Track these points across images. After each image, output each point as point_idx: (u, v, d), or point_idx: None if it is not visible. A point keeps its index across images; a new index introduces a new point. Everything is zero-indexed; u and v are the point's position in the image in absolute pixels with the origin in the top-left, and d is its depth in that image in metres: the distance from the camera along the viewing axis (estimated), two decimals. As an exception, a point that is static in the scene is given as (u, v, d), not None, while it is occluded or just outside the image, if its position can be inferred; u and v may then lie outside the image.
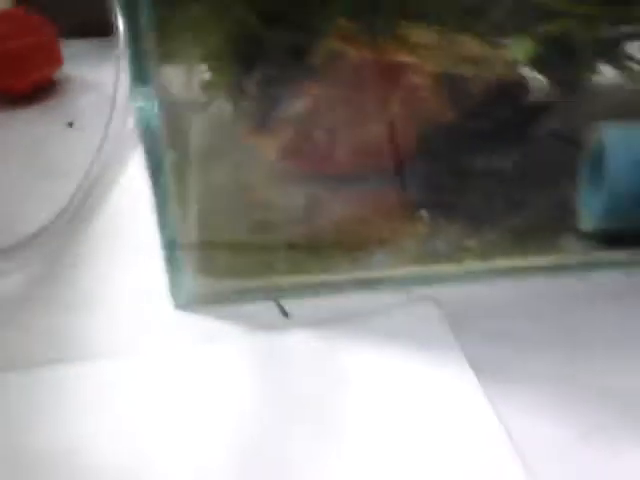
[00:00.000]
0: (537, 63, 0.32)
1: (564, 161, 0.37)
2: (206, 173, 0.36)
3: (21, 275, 0.35)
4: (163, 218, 0.30)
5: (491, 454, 0.26)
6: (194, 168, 0.36)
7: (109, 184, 0.42)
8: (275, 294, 0.33)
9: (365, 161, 0.36)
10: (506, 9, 0.30)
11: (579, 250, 0.35)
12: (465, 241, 0.35)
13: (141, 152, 0.29)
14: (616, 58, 0.34)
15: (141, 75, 0.26)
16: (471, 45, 0.32)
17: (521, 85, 0.36)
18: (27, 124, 0.49)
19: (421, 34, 0.32)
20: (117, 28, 0.42)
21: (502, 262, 0.35)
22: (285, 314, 0.32)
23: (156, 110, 0.27)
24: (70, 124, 0.49)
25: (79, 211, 0.39)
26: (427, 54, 0.33)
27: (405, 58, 0.33)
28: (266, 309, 0.32)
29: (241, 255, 0.34)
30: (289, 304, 0.32)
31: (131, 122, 0.43)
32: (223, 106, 0.36)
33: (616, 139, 0.33)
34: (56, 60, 0.55)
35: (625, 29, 0.33)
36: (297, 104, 0.35)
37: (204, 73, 0.35)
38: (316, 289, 0.33)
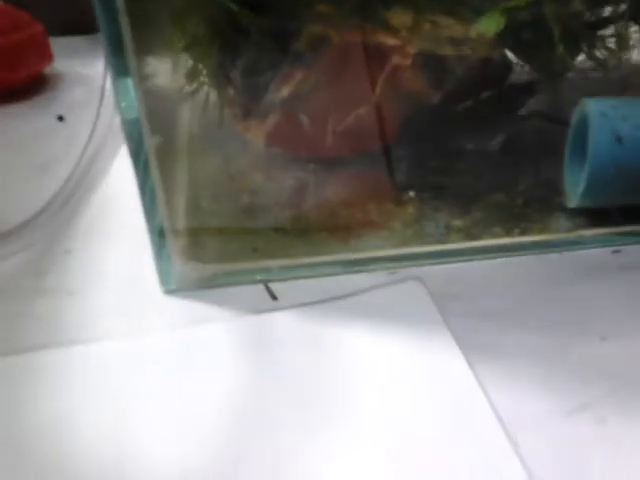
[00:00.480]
0: (510, 44, 0.32)
1: (550, 140, 0.37)
2: (192, 161, 0.37)
3: (13, 262, 0.35)
4: (149, 206, 0.30)
5: (477, 428, 0.26)
6: (180, 156, 0.36)
7: (99, 175, 0.42)
8: (263, 277, 0.33)
9: (351, 144, 0.36)
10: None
11: (565, 228, 0.36)
12: (452, 221, 0.36)
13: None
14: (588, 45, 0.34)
15: (120, 67, 0.27)
16: (452, 26, 0.33)
17: (504, 66, 0.36)
18: (19, 118, 0.50)
19: (401, 17, 0.32)
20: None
21: (488, 241, 0.35)
22: (273, 297, 0.32)
23: (137, 101, 0.28)
24: (60, 118, 0.50)
25: (70, 201, 0.40)
26: (408, 36, 0.33)
27: (387, 41, 0.33)
28: (254, 292, 0.33)
29: (229, 240, 0.34)
30: (277, 287, 0.33)
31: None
32: (208, 94, 0.37)
33: (597, 114, 0.33)
34: (46, 56, 0.56)
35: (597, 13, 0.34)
36: (282, 90, 0.35)
37: (187, 62, 0.35)
38: (304, 271, 0.33)
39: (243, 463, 0.25)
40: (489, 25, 0.28)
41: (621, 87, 0.36)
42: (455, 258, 0.34)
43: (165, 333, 0.31)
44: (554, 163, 0.36)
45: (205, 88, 0.37)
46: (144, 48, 0.28)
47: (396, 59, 0.34)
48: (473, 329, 0.30)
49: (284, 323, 0.31)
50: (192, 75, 0.36)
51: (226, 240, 0.35)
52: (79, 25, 0.53)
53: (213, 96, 0.37)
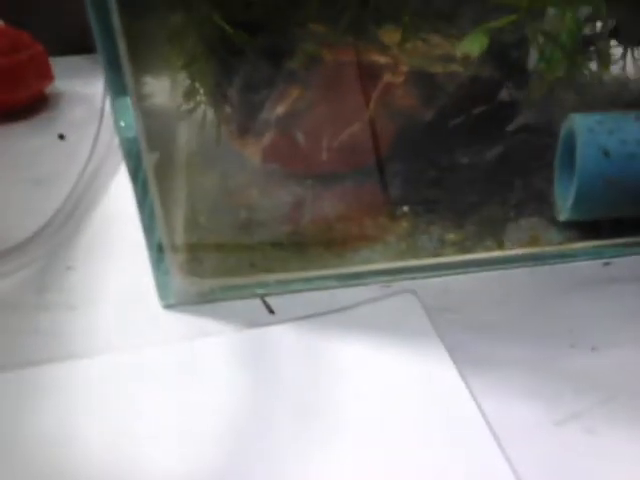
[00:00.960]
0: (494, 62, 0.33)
1: (540, 154, 0.38)
2: (190, 177, 0.37)
3: (16, 278, 0.36)
4: (148, 222, 0.31)
5: (470, 439, 0.26)
6: (178, 173, 0.37)
7: (99, 192, 0.43)
8: (261, 292, 0.34)
9: (346, 160, 0.37)
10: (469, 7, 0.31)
11: (556, 240, 0.36)
12: (446, 235, 0.36)
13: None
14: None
15: (118, 86, 0.27)
16: (442, 44, 0.33)
17: (493, 82, 0.37)
18: (20, 137, 0.51)
19: (393, 35, 0.33)
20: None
21: (481, 254, 0.35)
22: (271, 311, 0.33)
23: (135, 119, 0.28)
24: (61, 136, 0.50)
25: (70, 218, 0.40)
26: (399, 54, 0.34)
27: (379, 59, 0.34)
28: (252, 306, 0.33)
29: (227, 255, 0.35)
30: (274, 301, 0.33)
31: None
32: (206, 112, 0.37)
33: (584, 129, 0.33)
34: (47, 76, 0.56)
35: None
36: (278, 108, 0.36)
37: (184, 81, 0.36)
38: (300, 285, 0.34)
39: (242, 475, 0.25)
40: (473, 45, 0.29)
41: (606, 102, 0.37)
42: (448, 271, 0.35)
43: (164, 347, 0.31)
44: (544, 177, 0.37)
45: (202, 106, 0.37)
46: (142, 67, 0.29)
47: (388, 77, 0.35)
48: (466, 341, 0.31)
49: (281, 336, 0.31)
50: (189, 94, 0.37)
51: (224, 255, 0.35)
52: (79, 45, 0.53)
53: (210, 114, 0.37)
